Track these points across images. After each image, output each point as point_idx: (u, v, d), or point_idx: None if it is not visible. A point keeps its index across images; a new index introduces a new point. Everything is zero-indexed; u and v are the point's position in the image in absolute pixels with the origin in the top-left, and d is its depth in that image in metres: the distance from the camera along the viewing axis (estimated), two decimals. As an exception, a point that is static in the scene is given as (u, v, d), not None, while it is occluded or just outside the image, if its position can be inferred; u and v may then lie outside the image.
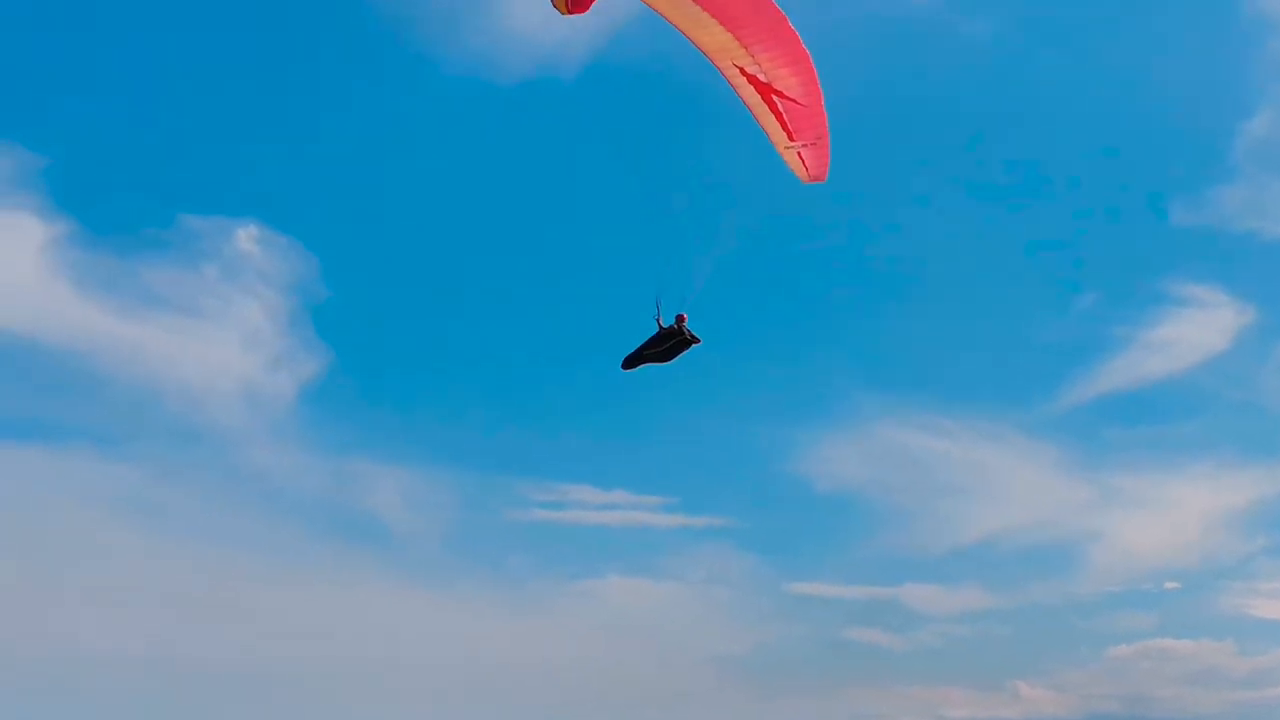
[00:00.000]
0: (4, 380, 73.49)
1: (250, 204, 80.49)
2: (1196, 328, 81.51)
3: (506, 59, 78.63)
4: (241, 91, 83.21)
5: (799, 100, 19.99)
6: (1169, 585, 78.04)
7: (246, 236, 77.46)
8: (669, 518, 77.06)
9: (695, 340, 22.08)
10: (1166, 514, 79.89)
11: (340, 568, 73.33)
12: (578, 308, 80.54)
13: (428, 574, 74.51)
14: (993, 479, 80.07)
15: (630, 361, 22.62)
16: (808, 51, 19.61)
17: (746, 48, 19.40)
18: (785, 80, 19.66)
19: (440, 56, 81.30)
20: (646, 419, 78.74)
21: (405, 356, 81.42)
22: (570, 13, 19.11)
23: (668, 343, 22.20)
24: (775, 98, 19.90)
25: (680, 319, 22.20)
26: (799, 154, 20.60)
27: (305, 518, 74.91)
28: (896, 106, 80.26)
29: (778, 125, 20.40)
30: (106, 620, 67.35)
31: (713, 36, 19.60)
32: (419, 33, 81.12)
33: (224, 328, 76.95)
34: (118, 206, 79.86)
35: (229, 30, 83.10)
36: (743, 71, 19.96)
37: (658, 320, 22.03)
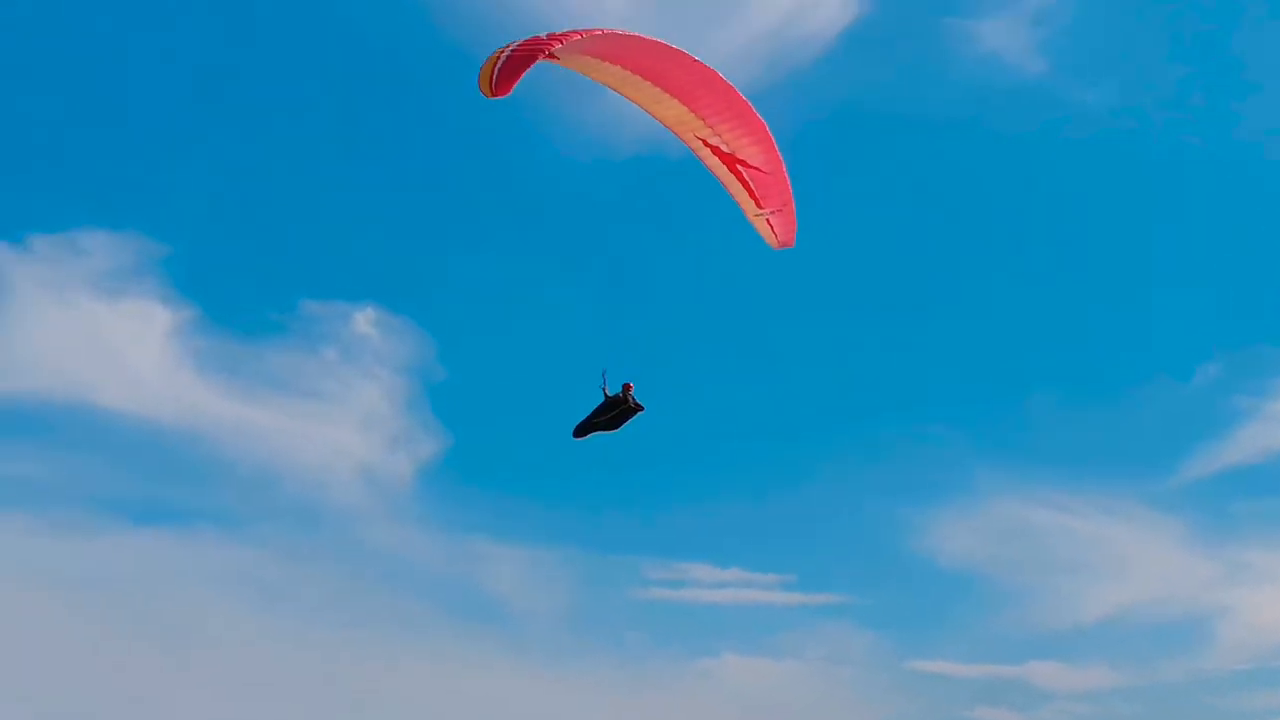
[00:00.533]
0: (131, 464, 74.45)
1: (368, 288, 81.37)
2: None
3: (620, 136, 79.36)
4: (356, 178, 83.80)
5: (762, 169, 20.64)
6: (1301, 663, 76.42)
7: (364, 320, 77.68)
8: (786, 595, 75.81)
9: (638, 408, 22.61)
10: (1297, 589, 78.59)
11: (459, 647, 72.20)
12: (690, 385, 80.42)
13: (546, 653, 73.52)
14: (1117, 554, 78.63)
15: (580, 430, 23.14)
16: (763, 121, 20.21)
17: (705, 120, 20.19)
18: (747, 150, 20.39)
19: (550, 135, 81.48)
20: (763, 496, 78.46)
21: (523, 435, 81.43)
22: (495, 96, 19.43)
23: (613, 411, 22.77)
24: (740, 167, 20.65)
25: (626, 388, 22.64)
26: (768, 221, 21.19)
27: (424, 597, 74.42)
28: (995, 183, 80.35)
29: (745, 194, 20.84)
30: (229, 700, 65.76)
31: (672, 111, 20.31)
32: (530, 113, 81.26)
33: (343, 409, 77.13)
34: (239, 293, 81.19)
35: (343, 118, 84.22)
36: (705, 143, 20.71)
37: (604, 390, 22.49)
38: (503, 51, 19.25)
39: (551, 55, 19.24)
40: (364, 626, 71.67)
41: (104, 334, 77.50)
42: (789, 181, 20.69)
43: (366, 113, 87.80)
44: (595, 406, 22.53)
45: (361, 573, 75.24)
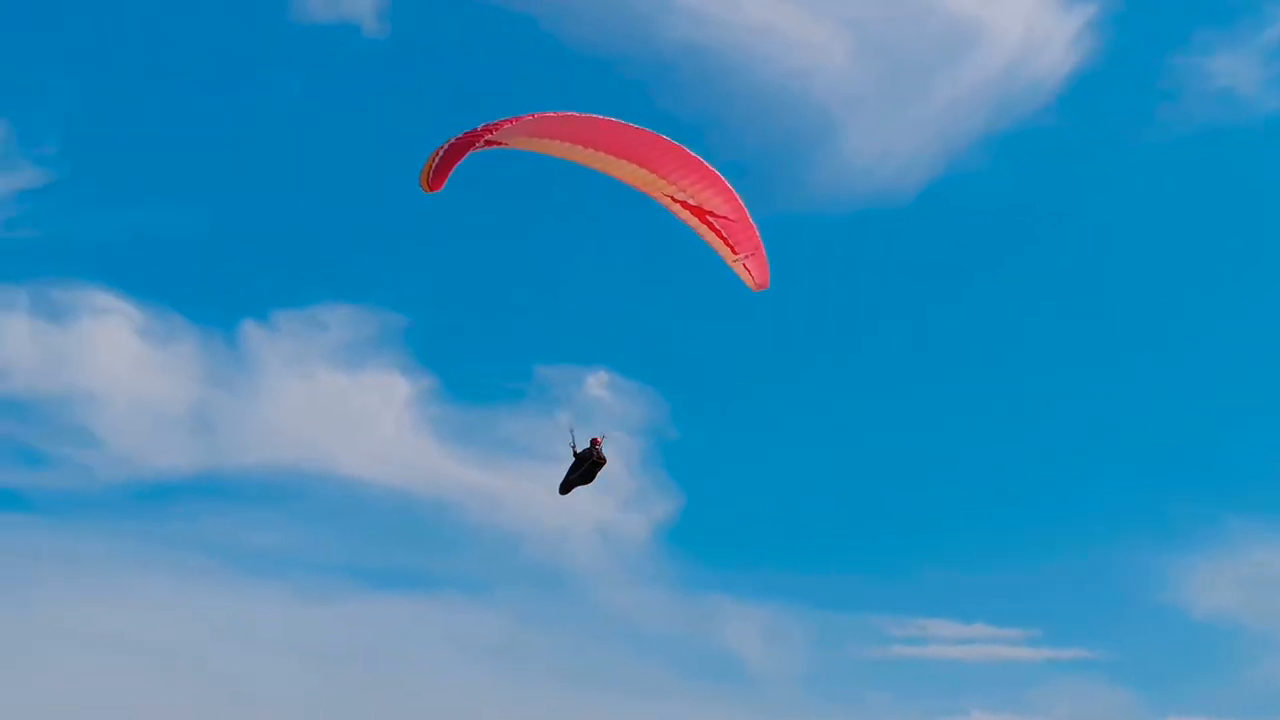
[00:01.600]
0: (377, 531, 75.57)
1: (600, 352, 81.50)
2: None
3: (841, 190, 79.68)
4: (583, 245, 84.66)
5: (730, 217, 21.67)
6: None
7: (597, 383, 77.66)
8: (1033, 651, 73.76)
9: (603, 461, 23.62)
10: None
11: (698, 707, 71.42)
12: (926, 441, 79.63)
13: (785, 713, 72.48)
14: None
15: (563, 488, 24.41)
16: (720, 174, 21.21)
17: (668, 179, 21.30)
18: (712, 201, 21.41)
19: (774, 193, 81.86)
20: (1006, 550, 76.57)
21: (756, 493, 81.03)
22: (430, 191, 20.85)
23: (584, 466, 23.85)
24: (709, 218, 21.68)
25: (595, 442, 23.71)
26: (744, 265, 22.32)
27: (661, 657, 73.95)
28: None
29: (720, 242, 22.16)
30: None
31: (635, 175, 21.52)
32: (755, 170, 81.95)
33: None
34: (474, 361, 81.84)
35: (566, 192, 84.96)
36: (674, 199, 21.75)
37: (573, 448, 23.58)
38: (441, 147, 20.56)
39: (490, 143, 20.36)
40: (604, 687, 71.45)
41: (346, 405, 79.40)
42: (755, 227, 21.64)
43: (592, 179, 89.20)
44: (570, 465, 23.35)
45: (600, 633, 75.24)
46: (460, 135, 20.61)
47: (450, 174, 20.50)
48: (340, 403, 78.38)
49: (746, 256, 22.20)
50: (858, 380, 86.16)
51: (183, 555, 73.78)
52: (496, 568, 77.29)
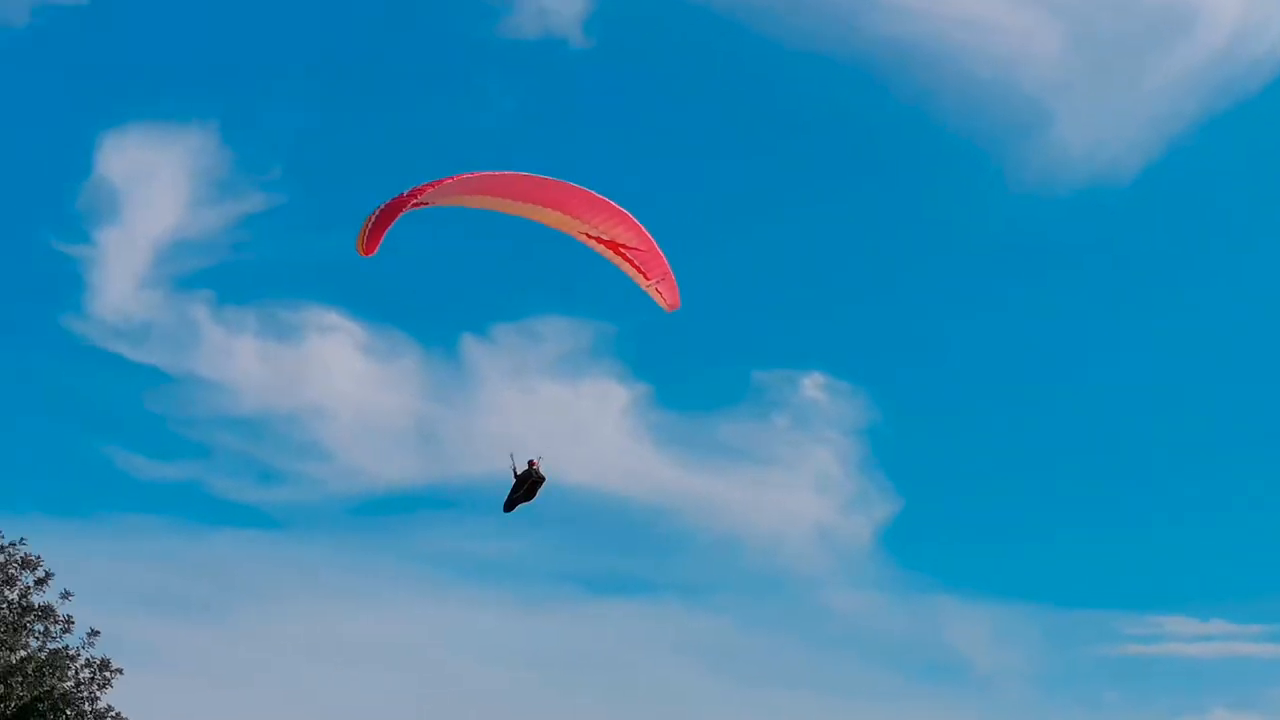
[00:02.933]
0: (599, 538, 76.55)
1: (815, 355, 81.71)
2: None
3: (1057, 175, 78.08)
4: (790, 246, 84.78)
5: (640, 248, 23.73)
6: None
7: (813, 385, 77.76)
8: (1276, 647, 70.92)
9: (542, 479, 25.24)
10: None
11: (924, 709, 70.68)
12: (1161, 428, 77.68)
13: (1016, 714, 71.22)
14: None
15: (507, 507, 25.73)
16: (628, 212, 23.35)
17: (581, 219, 23.39)
18: (623, 236, 23.52)
19: (989, 179, 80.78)
20: (1243, 543, 74.13)
21: (976, 490, 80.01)
22: (365, 255, 22.87)
23: (525, 485, 25.32)
24: (622, 250, 23.75)
25: (532, 464, 25.26)
26: (656, 289, 24.51)
27: (887, 659, 73.79)
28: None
29: (633, 270, 24.21)
30: None
31: (554, 218, 23.66)
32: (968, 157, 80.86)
33: (797, 475, 77.67)
34: (689, 368, 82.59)
35: (771, 197, 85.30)
36: (589, 236, 23.76)
37: (514, 470, 25.07)
38: (373, 212, 22.62)
39: (418, 204, 22.49)
40: (827, 691, 71.26)
41: (565, 414, 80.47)
42: (663, 256, 24.05)
43: (798, 179, 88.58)
44: (511, 486, 25.34)
45: (822, 637, 75.01)
46: (391, 200, 22.68)
47: (383, 237, 22.62)
48: (559, 413, 79.39)
49: (658, 281, 24.31)
50: (1079, 372, 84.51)
51: (411, 565, 75.64)
52: (716, 572, 77.47)
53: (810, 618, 75.51)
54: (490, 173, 23.57)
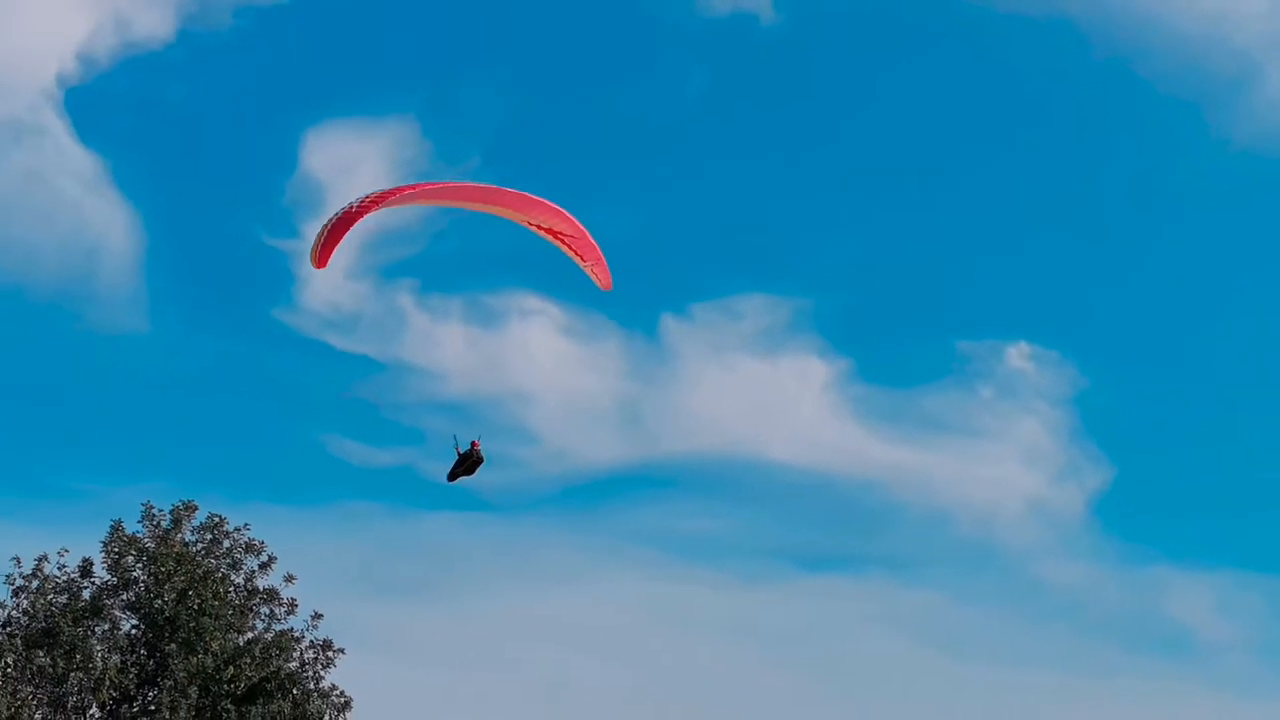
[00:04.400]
0: (806, 514, 76.57)
1: (1019, 324, 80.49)
2: None
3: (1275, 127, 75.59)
4: (996, 219, 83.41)
5: (574, 236, 26.56)
6: None
7: (1018, 355, 76.73)
8: None
9: (481, 459, 27.86)
10: None
11: (1145, 681, 69.12)
12: None
13: (1239, 684, 69.04)
14: None
15: (450, 478, 28.36)
16: (562, 209, 26.23)
17: (524, 213, 26.41)
18: (559, 226, 26.45)
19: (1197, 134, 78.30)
20: None
21: (1191, 457, 77.60)
22: (318, 268, 24.91)
23: (467, 463, 28.03)
24: (560, 238, 26.62)
25: (474, 444, 27.96)
26: (592, 270, 27.20)
27: (1104, 631, 72.61)
28: None
29: (572, 254, 27.01)
30: None
31: (501, 212, 26.63)
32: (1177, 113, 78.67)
33: (1004, 446, 76.73)
34: (890, 340, 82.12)
35: (968, 167, 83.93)
36: (529, 224, 26.56)
37: (456, 450, 27.90)
38: (325, 225, 24.48)
39: (377, 205, 24.48)
40: (1043, 665, 70.14)
41: (766, 391, 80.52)
42: (595, 244, 26.88)
43: (1000, 144, 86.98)
44: (454, 462, 28.12)
45: (1036, 610, 73.75)
46: (341, 212, 24.63)
47: (335, 251, 24.52)
48: (760, 389, 79.41)
49: (591, 265, 27.08)
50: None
51: (619, 544, 76.49)
52: (926, 546, 76.74)
53: (1023, 591, 74.36)
54: (441, 184, 26.81)
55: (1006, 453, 77.30)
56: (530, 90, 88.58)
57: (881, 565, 77.19)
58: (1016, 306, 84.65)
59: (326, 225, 24.41)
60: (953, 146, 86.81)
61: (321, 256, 24.39)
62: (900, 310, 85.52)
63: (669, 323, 79.75)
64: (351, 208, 24.38)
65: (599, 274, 27.15)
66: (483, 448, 27.88)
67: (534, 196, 26.08)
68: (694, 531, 77.82)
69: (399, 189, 25.23)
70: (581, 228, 26.40)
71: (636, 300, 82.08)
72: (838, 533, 77.72)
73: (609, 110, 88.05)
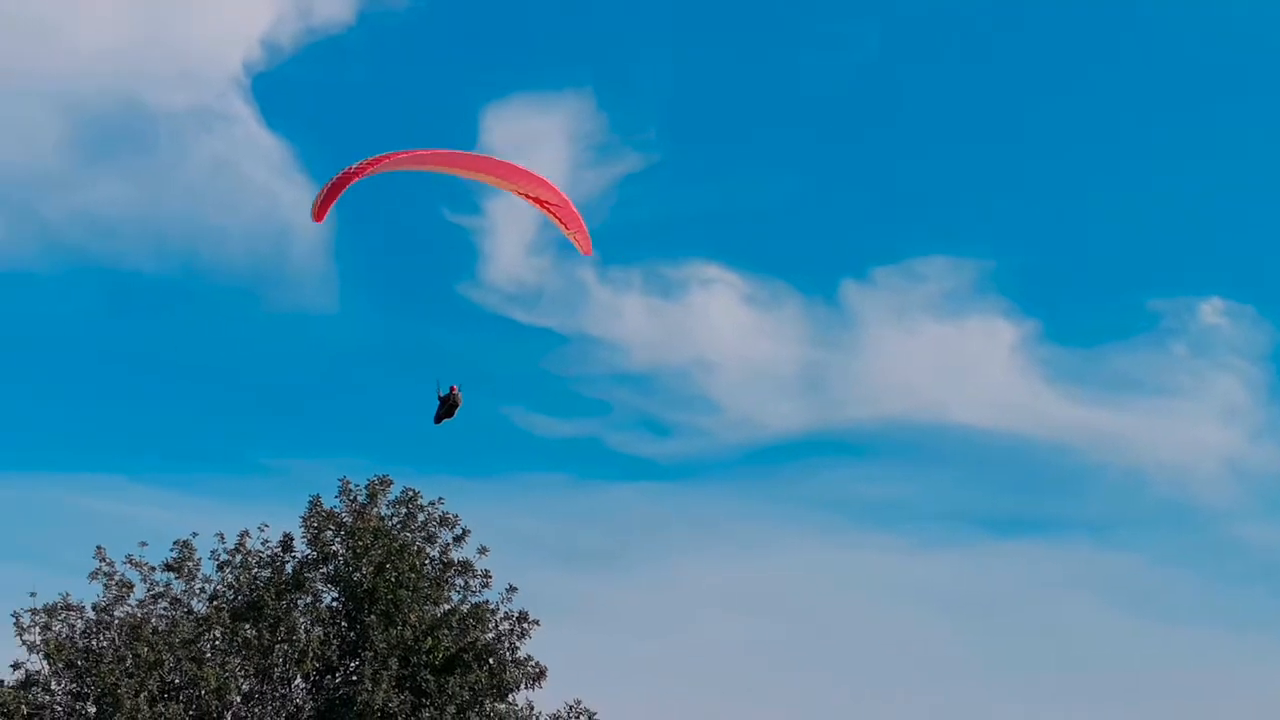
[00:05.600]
0: (995, 477, 76.01)
1: (1211, 280, 78.49)
2: None
3: None
4: (1187, 171, 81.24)
5: (558, 204, 28.01)
6: None
7: (1211, 311, 74.80)
8: None
9: (459, 403, 29.66)
10: None
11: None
12: None
13: None
14: None
15: (436, 420, 30.28)
16: (544, 177, 27.93)
17: (514, 183, 28.07)
18: (544, 195, 27.99)
19: None
20: None
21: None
22: (317, 221, 26.94)
23: (445, 406, 29.86)
24: (545, 206, 28.06)
25: (453, 389, 29.80)
26: (574, 237, 28.76)
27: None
28: None
29: (556, 221, 28.61)
30: (1100, 705, 64.45)
31: (488, 181, 28.50)
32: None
33: (1199, 404, 74.89)
34: (1077, 299, 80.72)
35: (1166, 114, 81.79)
36: (516, 192, 28.19)
37: (439, 395, 29.75)
38: (326, 185, 26.40)
39: (372, 167, 26.06)
40: (1243, 627, 68.29)
41: (951, 353, 79.54)
42: (578, 213, 28.47)
43: (1200, 103, 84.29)
44: (437, 407, 30.09)
45: (1236, 571, 71.85)
46: (341, 172, 26.48)
47: (331, 207, 26.48)
48: (945, 352, 78.51)
49: (574, 233, 28.63)
50: None
51: (804, 511, 76.35)
52: (1120, 508, 75.19)
53: (1223, 552, 72.51)
54: (436, 150, 27.98)
55: (1202, 411, 75.42)
56: (703, 57, 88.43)
57: (1075, 528, 75.88)
58: (1208, 262, 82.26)
59: (328, 184, 26.54)
60: (1141, 99, 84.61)
61: (319, 212, 26.69)
62: (1087, 268, 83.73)
63: (850, 288, 79.24)
64: (350, 169, 26.32)
65: (580, 240, 28.92)
66: (460, 392, 29.84)
67: (520, 166, 28.02)
68: (880, 497, 77.33)
69: (394, 154, 26.95)
70: (564, 196, 28.13)
71: (816, 266, 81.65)
72: (1028, 496, 76.58)
73: (784, 73, 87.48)
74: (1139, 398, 77.10)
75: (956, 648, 70.20)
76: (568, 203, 28.10)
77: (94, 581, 38.14)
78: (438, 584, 39.20)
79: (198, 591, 38.81)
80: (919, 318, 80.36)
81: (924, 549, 76.02)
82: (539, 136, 78.99)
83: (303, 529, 39.61)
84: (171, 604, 38.42)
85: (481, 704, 37.79)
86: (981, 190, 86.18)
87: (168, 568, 38.75)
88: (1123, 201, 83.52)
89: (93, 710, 36.54)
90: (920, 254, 79.74)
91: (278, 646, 37.58)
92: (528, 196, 28.19)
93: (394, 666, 37.09)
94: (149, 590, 38.51)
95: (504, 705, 38.26)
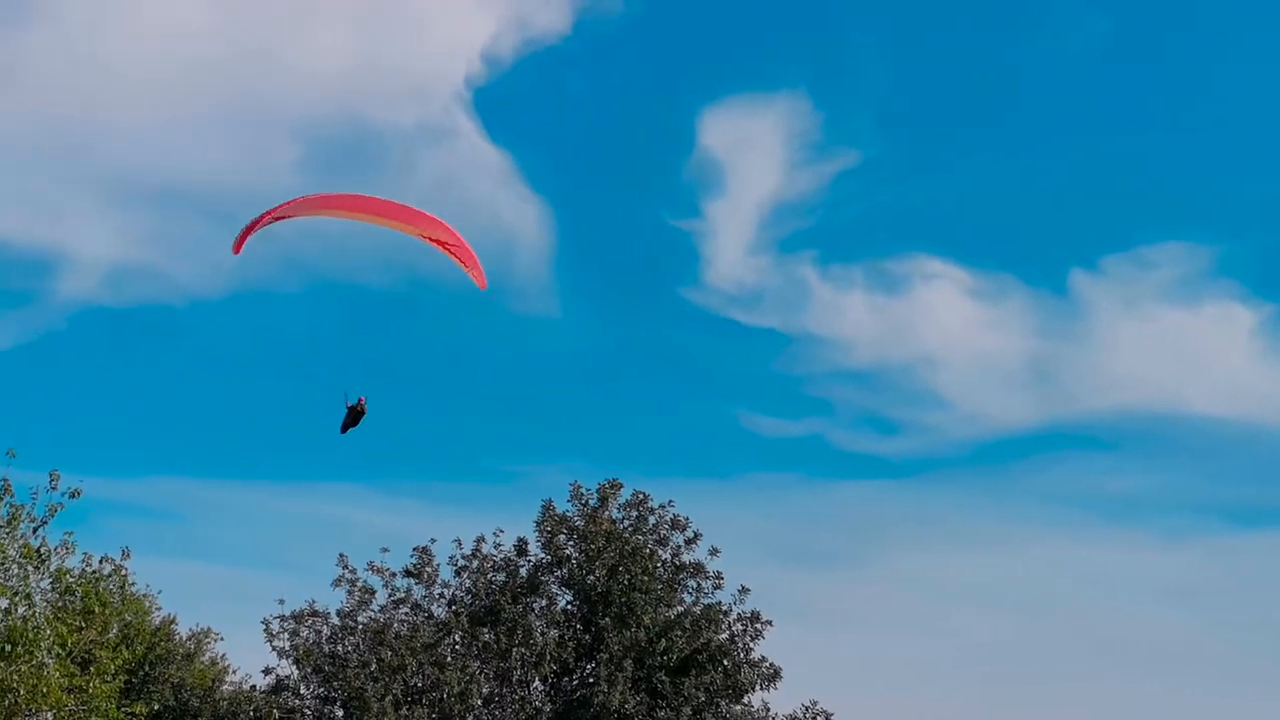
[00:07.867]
0: (1236, 467, 73.61)
1: None
2: None
3: None
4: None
5: (454, 244, 29.21)
6: None
7: None
8: None
9: (364, 412, 30.21)
10: None
11: None
12: None
13: None
14: None
15: (342, 429, 30.47)
16: (442, 220, 29.05)
17: (412, 225, 28.91)
18: (442, 235, 29.06)
19: None
20: None
21: None
22: (235, 253, 27.92)
23: (354, 414, 30.22)
24: (444, 247, 29.13)
25: (361, 400, 30.28)
26: (472, 274, 29.65)
27: None
28: None
29: (454, 259, 29.52)
30: None
31: (392, 226, 29.10)
32: None
33: None
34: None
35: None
36: (420, 236, 29.06)
37: (348, 404, 30.15)
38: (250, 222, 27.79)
39: (279, 218, 27.52)
40: None
41: (1187, 341, 77.10)
42: (471, 249, 29.44)
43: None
44: (344, 416, 30.45)
45: None
46: (263, 214, 27.66)
47: (246, 242, 27.65)
48: (1180, 340, 76.18)
49: (471, 269, 29.55)
50: None
51: (1037, 505, 74.77)
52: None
53: None
54: (341, 194, 29.17)
55: None
56: (920, 50, 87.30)
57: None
58: None
59: (251, 221, 27.98)
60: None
61: (237, 245, 27.98)
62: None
63: (1079, 278, 77.38)
64: (270, 212, 27.86)
65: (476, 278, 30.08)
66: (366, 404, 30.55)
67: (424, 212, 29.26)
68: (1116, 490, 75.36)
69: (301, 199, 28.39)
70: (461, 239, 29.46)
71: (1044, 257, 79.85)
72: (1273, 487, 73.67)
73: (1001, 64, 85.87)
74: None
75: (1198, 643, 68.10)
76: (464, 244, 29.56)
77: (338, 589, 39.35)
78: (670, 586, 39.39)
79: (437, 596, 39.66)
80: (1151, 306, 78.17)
81: (1163, 543, 73.87)
82: (755, 137, 79.08)
83: (536, 533, 40.19)
84: (412, 609, 39.33)
85: (717, 705, 37.87)
86: (1212, 174, 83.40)
87: (408, 573, 39.69)
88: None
89: (340, 714, 37.64)
90: (1151, 241, 77.54)
91: (515, 650, 38.16)
92: (427, 238, 29.31)
93: (629, 668, 37.37)
94: (390, 596, 39.53)
95: (739, 706, 38.28)
